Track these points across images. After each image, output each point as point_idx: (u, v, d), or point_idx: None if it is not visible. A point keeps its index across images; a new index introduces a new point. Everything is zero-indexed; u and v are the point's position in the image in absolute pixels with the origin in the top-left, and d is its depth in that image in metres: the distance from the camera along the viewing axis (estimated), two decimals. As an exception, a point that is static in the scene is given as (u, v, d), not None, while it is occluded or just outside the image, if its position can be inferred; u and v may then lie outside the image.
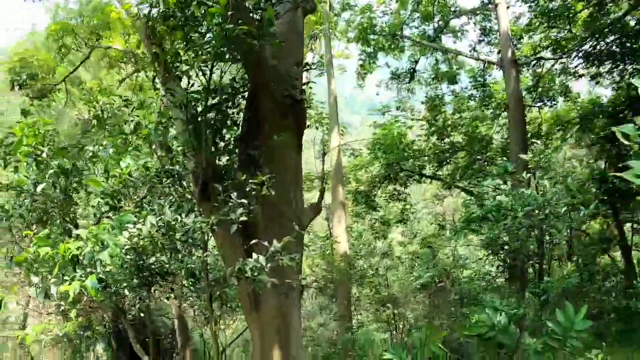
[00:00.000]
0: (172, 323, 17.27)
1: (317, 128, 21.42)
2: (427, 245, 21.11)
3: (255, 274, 4.27)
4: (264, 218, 5.46)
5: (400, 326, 17.50)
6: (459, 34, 22.02)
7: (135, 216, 4.42)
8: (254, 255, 4.36)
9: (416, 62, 23.89)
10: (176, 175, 5.82)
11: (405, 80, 24.32)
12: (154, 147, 5.31)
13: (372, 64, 23.49)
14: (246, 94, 5.89)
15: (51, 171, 5.22)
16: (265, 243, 4.46)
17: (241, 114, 5.87)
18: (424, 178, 21.92)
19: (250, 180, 4.62)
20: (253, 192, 4.63)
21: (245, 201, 4.55)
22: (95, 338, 17.40)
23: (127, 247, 4.25)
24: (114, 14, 10.80)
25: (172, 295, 6.57)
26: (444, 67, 23.06)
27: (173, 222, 4.40)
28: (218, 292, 5.42)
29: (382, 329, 18.57)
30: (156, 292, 6.27)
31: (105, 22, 11.33)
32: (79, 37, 12.16)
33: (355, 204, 20.78)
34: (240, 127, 5.84)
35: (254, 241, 4.68)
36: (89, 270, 4.04)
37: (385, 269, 18.58)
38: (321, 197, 6.26)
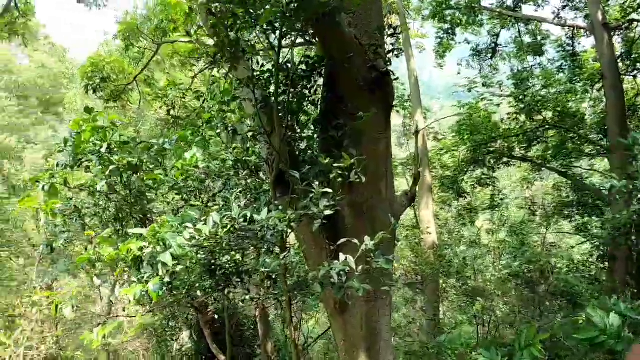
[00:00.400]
0: (255, 314, 17.17)
1: (397, 112, 20.44)
2: (515, 232, 19.81)
3: (344, 279, 3.52)
4: (351, 210, 4.72)
5: (487, 320, 16.38)
6: (540, 1, 20.23)
7: (202, 213, 3.85)
8: (342, 256, 3.61)
9: (497, 36, 22.39)
10: (252, 166, 5.21)
11: (487, 57, 22.86)
12: (218, 131, 4.70)
13: (451, 40, 22.21)
14: (323, 70, 5.14)
15: (112, 167, 4.78)
16: (355, 241, 3.69)
17: (319, 93, 5.13)
18: (512, 160, 20.31)
19: (335, 164, 3.85)
20: (339, 180, 3.87)
21: (329, 190, 3.80)
22: (180, 328, 17.77)
23: (191, 247, 3.66)
24: (174, 0, 10.46)
25: (247, 297, 5.99)
26: (527, 39, 21.38)
27: (241, 220, 3.74)
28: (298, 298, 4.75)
29: (468, 322, 17.48)
30: (230, 293, 5.74)
31: (169, 16, 11.07)
32: (144, 35, 12.03)
33: (441, 189, 19.62)
34: (319, 108, 5.10)
35: (342, 240, 3.90)
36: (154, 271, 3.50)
37: (472, 259, 17.50)
38: (415, 183, 5.38)
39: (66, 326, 13.75)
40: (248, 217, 3.75)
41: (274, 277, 5.02)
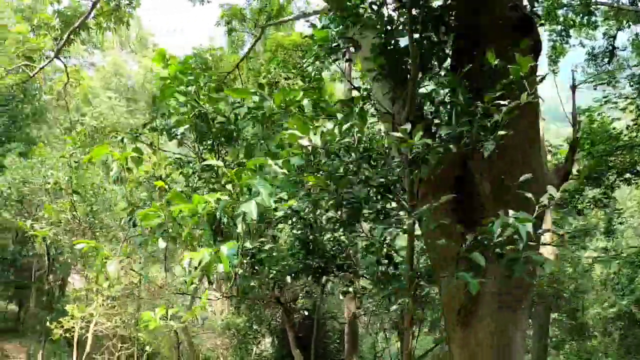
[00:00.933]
0: (342, 327, 16.28)
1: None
2: (630, 263, 17.42)
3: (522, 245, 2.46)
4: (492, 184, 3.70)
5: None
6: (658, -4, 17.94)
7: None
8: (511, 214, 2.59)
9: (614, 38, 20.27)
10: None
11: (604, 61, 20.76)
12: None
13: (565, 44, 20.38)
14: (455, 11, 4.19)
15: (197, 110, 4.09)
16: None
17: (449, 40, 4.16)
18: (635, 178, 17.84)
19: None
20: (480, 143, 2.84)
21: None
22: (263, 333, 17.35)
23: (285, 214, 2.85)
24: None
25: (350, 289, 4.99)
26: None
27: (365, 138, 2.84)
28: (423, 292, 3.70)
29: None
30: (328, 283, 4.82)
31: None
32: (247, 19, 11.71)
33: (554, 208, 17.57)
34: (450, 57, 4.13)
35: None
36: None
37: (581, 291, 15.55)
38: (572, 154, 4.14)
39: (140, 303, 13.65)
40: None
41: (393, 259, 3.95)
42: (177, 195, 3.44)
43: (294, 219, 3.93)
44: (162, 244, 3.62)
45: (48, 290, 18.39)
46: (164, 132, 5.33)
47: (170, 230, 3.46)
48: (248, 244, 2.75)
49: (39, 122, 25.73)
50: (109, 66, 37.03)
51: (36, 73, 12.03)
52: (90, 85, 30.95)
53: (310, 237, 4.14)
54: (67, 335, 12.13)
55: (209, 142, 5.32)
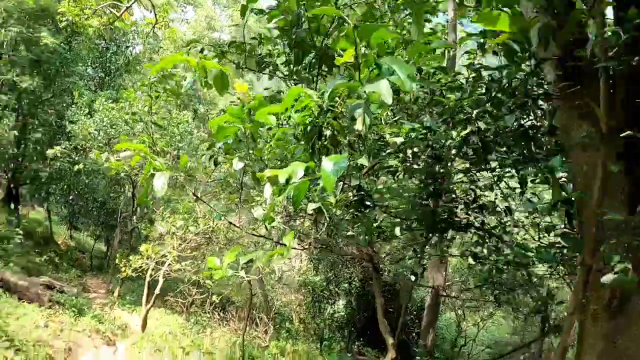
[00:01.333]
0: (422, 299, 15.43)
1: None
2: None
3: None
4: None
5: None
6: None
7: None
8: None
9: None
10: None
11: None
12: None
13: None
14: None
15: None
16: None
17: None
18: None
19: None
20: None
21: None
22: (339, 294, 16.92)
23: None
24: None
25: (484, 250, 3.82)
26: None
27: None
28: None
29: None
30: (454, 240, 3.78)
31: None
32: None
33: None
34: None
35: None
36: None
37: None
38: None
39: (217, 249, 13.47)
40: None
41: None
42: (262, 103, 2.68)
43: (415, 149, 2.98)
44: (237, 164, 2.90)
45: (131, 231, 19.00)
46: (252, 56, 4.60)
47: (250, 150, 2.75)
48: (364, 160, 1.95)
49: (132, 74, 26.30)
50: (201, 20, 37.45)
51: (123, 13, 11.80)
52: (182, 38, 31.33)
53: (442, 172, 3.06)
54: (133, 274, 12.27)
55: (305, 72, 4.48)
